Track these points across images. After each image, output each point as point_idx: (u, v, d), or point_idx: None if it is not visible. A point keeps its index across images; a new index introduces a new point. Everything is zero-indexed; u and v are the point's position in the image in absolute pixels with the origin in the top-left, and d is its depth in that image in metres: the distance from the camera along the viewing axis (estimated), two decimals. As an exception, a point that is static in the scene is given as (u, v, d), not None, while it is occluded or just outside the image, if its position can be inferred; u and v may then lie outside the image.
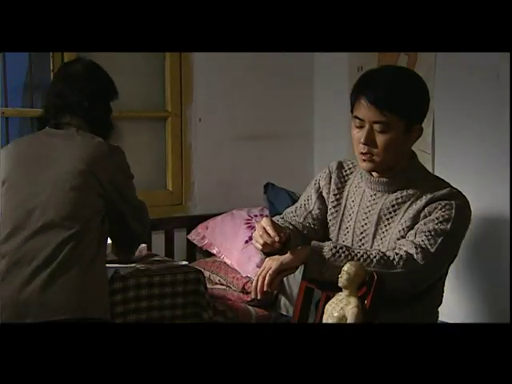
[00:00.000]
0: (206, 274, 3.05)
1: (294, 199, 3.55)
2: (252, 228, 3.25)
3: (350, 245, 1.94)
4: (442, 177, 2.02)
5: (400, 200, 1.92)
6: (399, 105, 1.84)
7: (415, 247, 1.81)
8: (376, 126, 1.86)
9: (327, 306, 1.77)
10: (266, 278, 1.80)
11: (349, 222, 2.00)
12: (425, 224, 1.85)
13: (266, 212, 3.47)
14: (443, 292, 2.00)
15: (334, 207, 2.04)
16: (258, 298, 1.84)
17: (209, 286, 2.76)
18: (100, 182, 2.21)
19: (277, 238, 1.79)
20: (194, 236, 3.41)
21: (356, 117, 1.90)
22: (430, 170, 2.27)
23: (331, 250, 1.79)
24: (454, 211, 1.85)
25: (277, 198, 3.63)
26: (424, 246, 1.81)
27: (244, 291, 3.06)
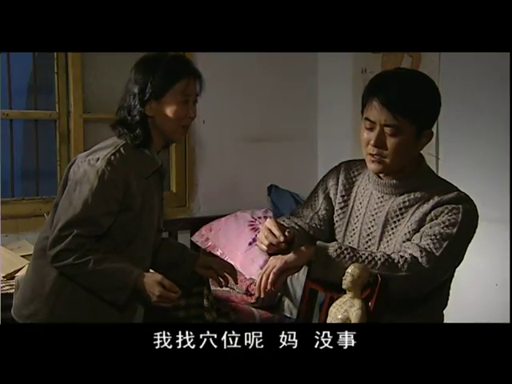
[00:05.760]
0: (210, 275, 3.05)
1: (297, 201, 3.55)
2: (256, 230, 3.25)
3: (356, 246, 1.93)
4: (445, 178, 2.00)
5: (407, 203, 1.91)
6: (412, 109, 1.81)
7: (420, 250, 1.80)
8: (387, 129, 1.83)
9: (331, 308, 1.77)
10: (270, 277, 1.80)
11: (355, 223, 1.99)
12: (431, 227, 1.84)
13: (270, 214, 3.47)
14: (449, 295, 1.99)
15: (341, 208, 2.03)
16: (262, 296, 1.84)
17: (212, 287, 2.75)
18: None
19: (281, 238, 1.79)
20: (197, 238, 3.41)
21: (367, 118, 1.87)
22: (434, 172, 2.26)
23: (336, 250, 1.79)
24: (460, 215, 1.84)
25: (280, 200, 3.63)
26: (429, 249, 1.80)
27: (248, 293, 3.06)
